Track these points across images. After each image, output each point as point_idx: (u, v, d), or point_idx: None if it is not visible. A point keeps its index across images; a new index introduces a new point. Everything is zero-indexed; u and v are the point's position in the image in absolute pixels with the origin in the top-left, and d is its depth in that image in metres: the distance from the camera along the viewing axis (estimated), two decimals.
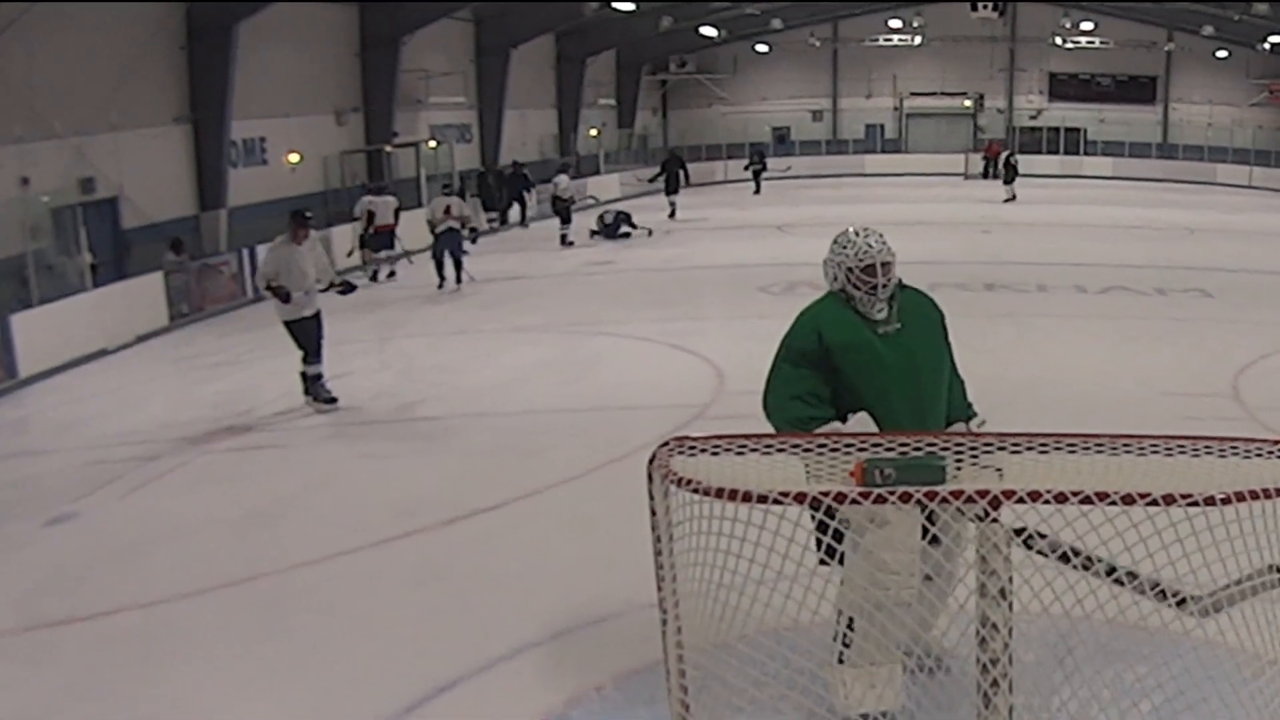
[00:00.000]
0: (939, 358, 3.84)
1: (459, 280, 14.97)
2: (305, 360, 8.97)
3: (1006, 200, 24.65)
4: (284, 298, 8.62)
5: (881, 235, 3.80)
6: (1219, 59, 31.46)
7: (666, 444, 2.64)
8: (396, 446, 7.88)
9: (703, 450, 2.60)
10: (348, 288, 9.51)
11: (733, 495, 2.34)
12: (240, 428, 8.51)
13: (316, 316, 8.91)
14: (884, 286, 3.74)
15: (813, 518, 2.66)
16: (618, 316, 12.44)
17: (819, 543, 2.73)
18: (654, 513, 2.61)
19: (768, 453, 2.60)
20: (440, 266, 14.92)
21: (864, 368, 3.69)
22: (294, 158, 18.52)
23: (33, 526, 6.56)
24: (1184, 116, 32.58)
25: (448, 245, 14.86)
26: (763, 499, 2.32)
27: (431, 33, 21.33)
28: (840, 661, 3.46)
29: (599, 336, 11.43)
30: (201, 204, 16.34)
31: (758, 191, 28.62)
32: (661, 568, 2.63)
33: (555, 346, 11.09)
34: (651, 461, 2.59)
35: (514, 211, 22.80)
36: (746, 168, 29.33)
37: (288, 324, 8.88)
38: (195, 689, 4.48)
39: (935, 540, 2.85)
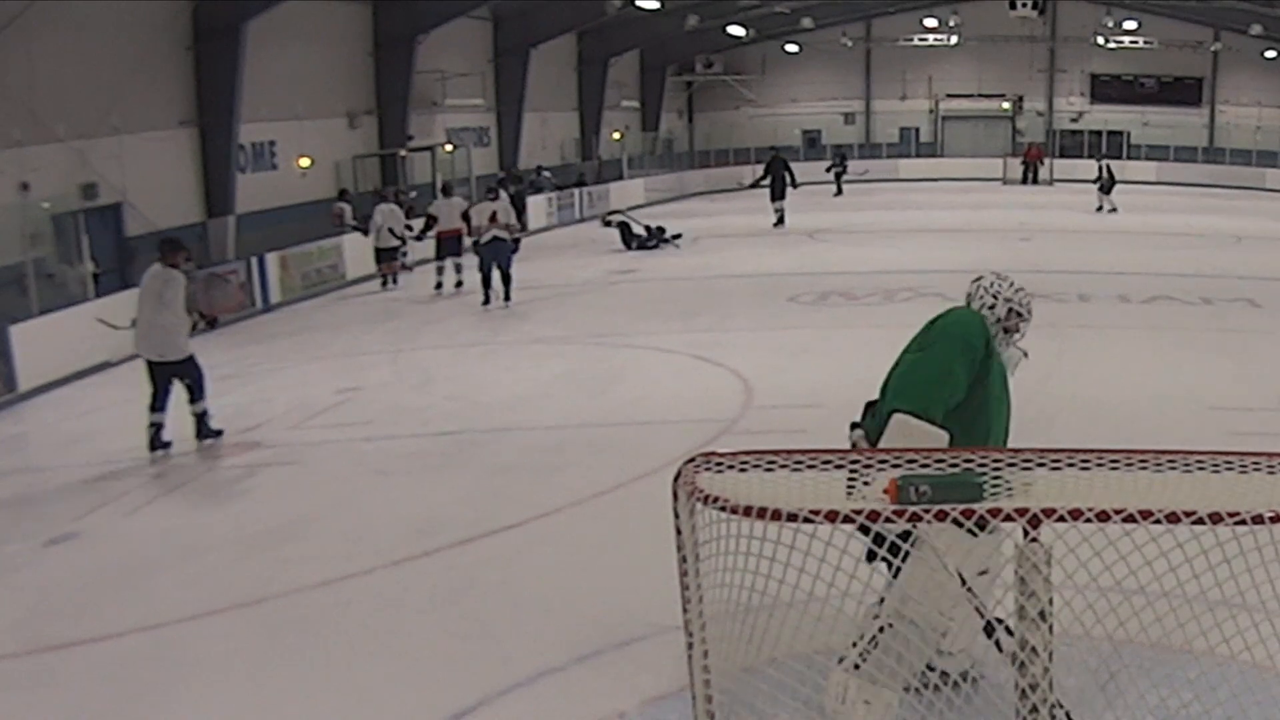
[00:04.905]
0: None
1: (508, 297, 13.88)
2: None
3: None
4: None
5: None
6: (1268, 59, 30.97)
7: (692, 460, 2.61)
8: (412, 463, 7.75)
9: (730, 467, 2.58)
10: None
11: (761, 514, 2.31)
12: (249, 443, 8.41)
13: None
14: (1016, 338, 4.22)
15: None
16: (641, 327, 12.37)
17: (877, 540, 2.62)
18: (679, 532, 2.60)
19: (798, 469, 2.56)
20: (487, 282, 13.78)
21: (997, 385, 3.97)
22: (304, 162, 18.50)
23: (33, 546, 6.47)
24: (1231, 119, 32.13)
25: (495, 257, 13.69)
26: (793, 517, 2.29)
27: (448, 32, 21.20)
28: (856, 666, 3.46)
29: (622, 348, 11.34)
30: (208, 210, 16.25)
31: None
32: (687, 589, 2.63)
33: (577, 359, 10.99)
34: (677, 478, 2.57)
35: None
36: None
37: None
38: (202, 715, 4.44)
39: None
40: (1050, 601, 2.40)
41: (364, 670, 4.70)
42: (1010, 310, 4.14)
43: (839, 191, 28.54)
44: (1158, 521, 2.21)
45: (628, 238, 19.41)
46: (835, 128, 35.32)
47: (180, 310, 8.14)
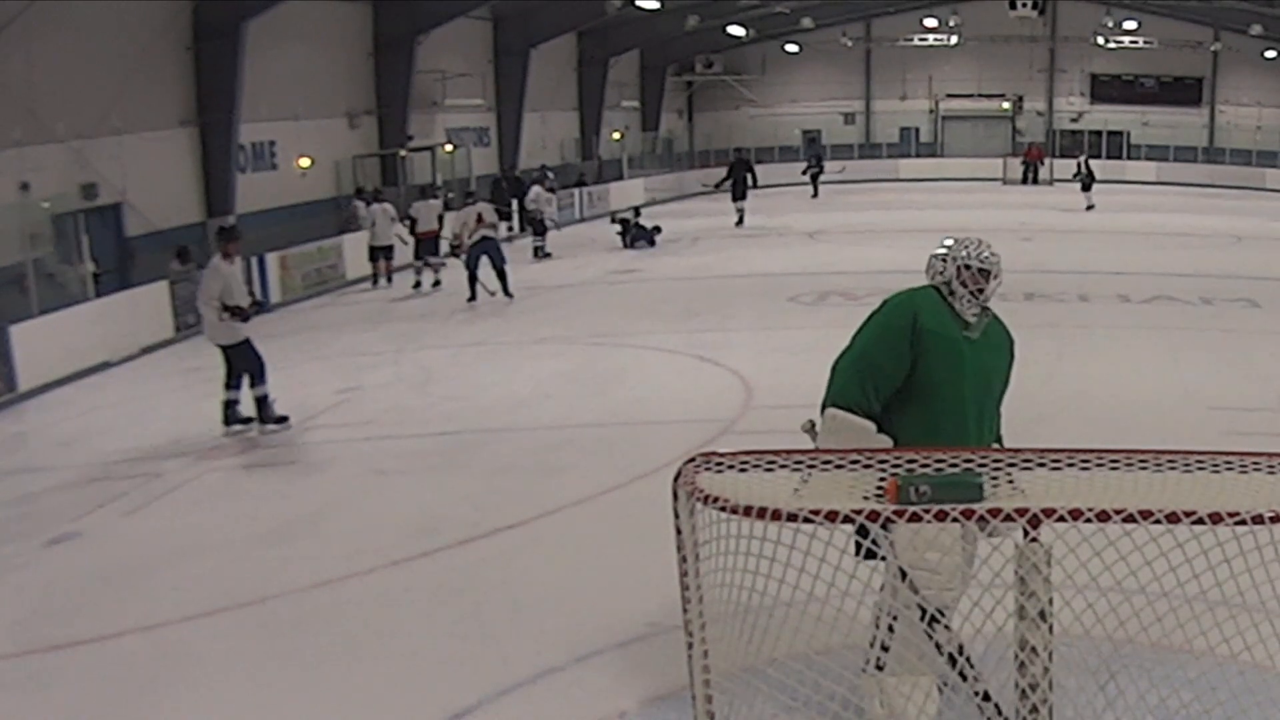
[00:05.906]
0: (1003, 381, 4.04)
1: (508, 292, 14.25)
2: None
3: None
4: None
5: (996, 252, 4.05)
6: (1268, 59, 30.89)
7: (692, 460, 2.60)
8: (412, 463, 7.76)
9: (730, 467, 2.58)
10: None
11: (761, 514, 2.31)
12: (249, 444, 8.44)
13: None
14: (986, 295, 3.90)
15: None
16: (642, 327, 12.37)
17: (862, 531, 2.58)
18: (679, 532, 2.59)
19: (797, 469, 2.55)
20: (473, 279, 14.19)
21: (947, 360, 3.79)
22: (304, 162, 18.45)
23: (32, 546, 6.47)
24: (1231, 119, 32.05)
25: (485, 254, 14.07)
26: (792, 517, 2.29)
27: (447, 32, 21.14)
28: (879, 668, 3.43)
29: (622, 348, 11.35)
30: (208, 210, 16.16)
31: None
32: (687, 589, 2.62)
33: (577, 359, 10.99)
34: (677, 478, 2.56)
35: None
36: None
37: None
38: (202, 715, 4.43)
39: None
40: (1050, 601, 2.39)
41: (364, 670, 4.69)
42: (961, 267, 3.84)
43: (815, 194, 28.41)
44: (1158, 521, 2.20)
45: (626, 232, 19.54)
46: (835, 128, 35.26)
47: (207, 300, 8.53)
